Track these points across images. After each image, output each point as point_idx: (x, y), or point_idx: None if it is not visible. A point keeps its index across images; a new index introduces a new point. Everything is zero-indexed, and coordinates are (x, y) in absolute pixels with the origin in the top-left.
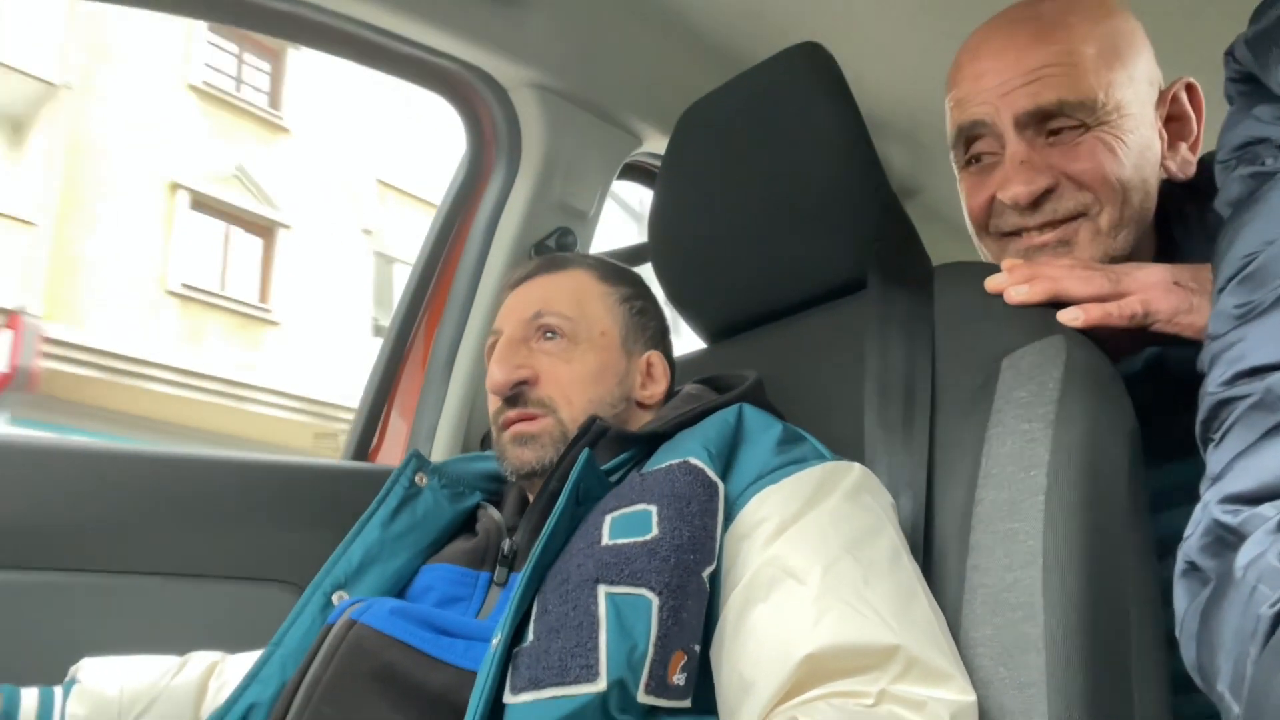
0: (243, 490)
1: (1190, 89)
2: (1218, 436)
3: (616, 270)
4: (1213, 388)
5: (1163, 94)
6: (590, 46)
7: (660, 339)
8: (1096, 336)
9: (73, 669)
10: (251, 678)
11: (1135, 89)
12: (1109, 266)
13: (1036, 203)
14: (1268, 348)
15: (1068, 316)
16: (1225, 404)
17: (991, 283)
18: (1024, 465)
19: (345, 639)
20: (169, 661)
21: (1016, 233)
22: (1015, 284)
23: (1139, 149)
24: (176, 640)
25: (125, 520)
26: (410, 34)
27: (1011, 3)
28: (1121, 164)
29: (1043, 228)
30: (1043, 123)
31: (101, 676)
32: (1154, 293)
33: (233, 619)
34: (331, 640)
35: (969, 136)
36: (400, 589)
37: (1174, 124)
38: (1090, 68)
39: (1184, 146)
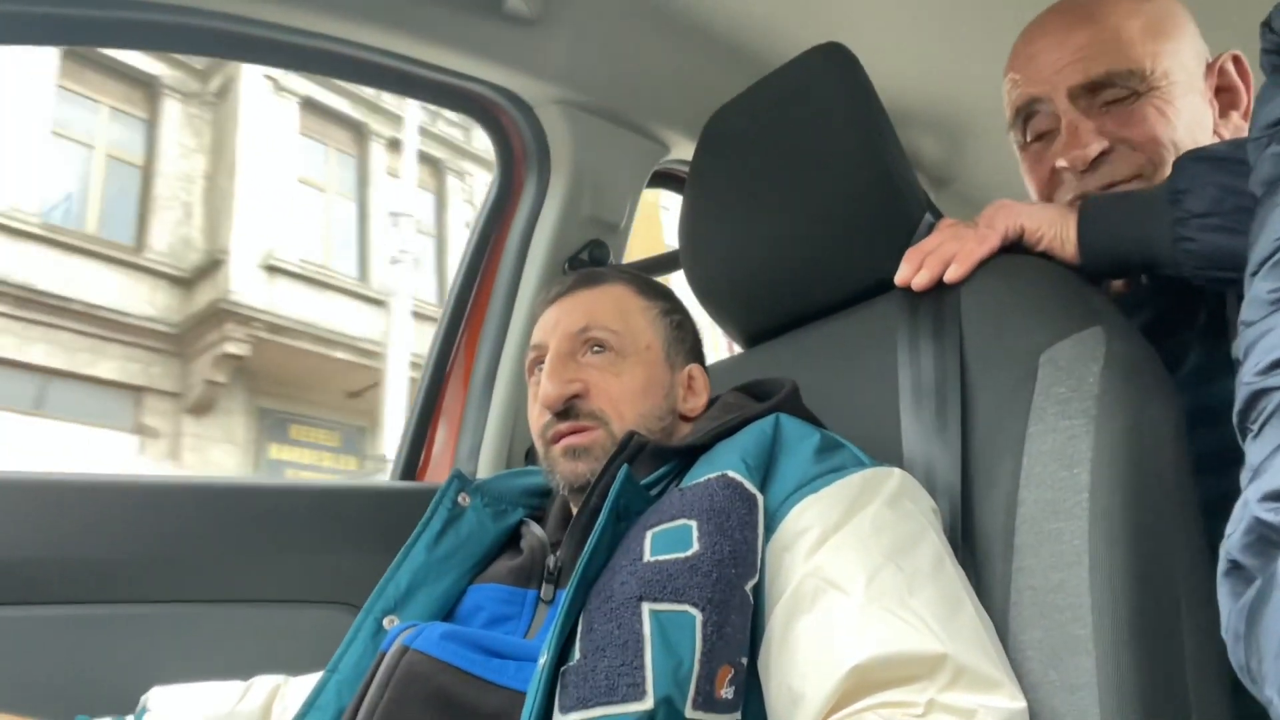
0: (296, 515)
1: (1237, 61)
2: (1256, 427)
3: (653, 285)
4: (1248, 377)
5: (1210, 66)
6: (613, 60)
7: (697, 351)
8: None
9: (143, 698)
10: (309, 705)
11: (1181, 60)
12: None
13: (1094, 167)
14: None
15: (952, 276)
16: (1262, 394)
17: (899, 279)
18: (1066, 463)
19: (399, 666)
20: (235, 687)
21: (1076, 201)
22: (912, 274)
23: (1189, 114)
24: (241, 665)
25: (187, 551)
26: (435, 60)
27: None
28: (1173, 127)
29: (1100, 189)
30: (1094, 94)
31: (170, 704)
32: (1023, 211)
33: (294, 642)
34: (385, 667)
35: (1027, 115)
36: (449, 609)
37: (1224, 94)
38: (1136, 40)
39: (1235, 115)
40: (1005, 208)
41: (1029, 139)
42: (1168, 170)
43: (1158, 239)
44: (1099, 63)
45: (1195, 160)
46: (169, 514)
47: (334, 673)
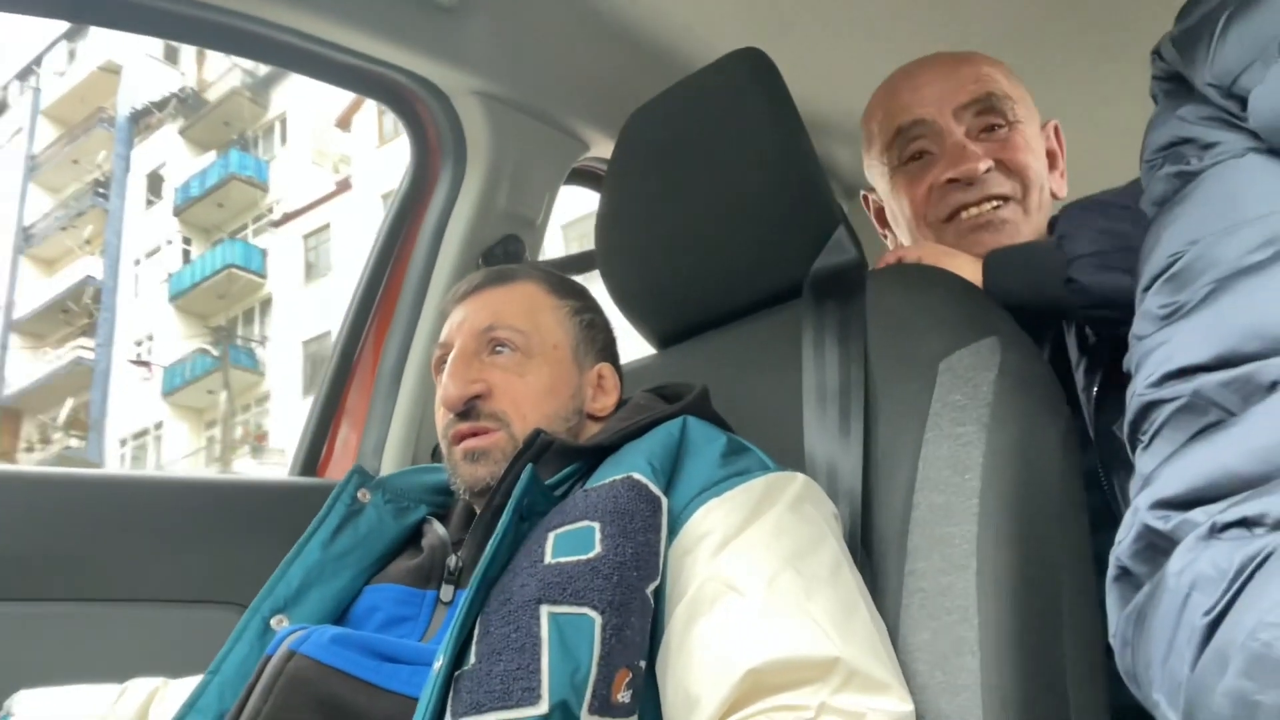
0: (185, 510)
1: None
2: (1146, 439)
3: (565, 283)
4: (1140, 389)
5: (1042, 126)
6: (533, 52)
7: (609, 351)
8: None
9: (7, 702)
10: (189, 707)
11: (1030, 111)
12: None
13: (974, 182)
14: (1195, 349)
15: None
16: (1153, 406)
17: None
18: (958, 469)
19: (284, 671)
20: (109, 690)
21: (954, 215)
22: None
23: (1040, 154)
24: (118, 669)
25: (65, 546)
26: (351, 43)
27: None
28: (1037, 158)
29: (980, 203)
30: (976, 117)
31: (36, 709)
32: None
33: (178, 644)
34: (270, 672)
35: (909, 137)
36: (343, 610)
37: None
38: (1004, 81)
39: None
40: (930, 255)
41: (905, 160)
42: (1033, 195)
43: (1050, 283)
44: (982, 87)
45: (1078, 208)
46: (43, 507)
47: (216, 674)
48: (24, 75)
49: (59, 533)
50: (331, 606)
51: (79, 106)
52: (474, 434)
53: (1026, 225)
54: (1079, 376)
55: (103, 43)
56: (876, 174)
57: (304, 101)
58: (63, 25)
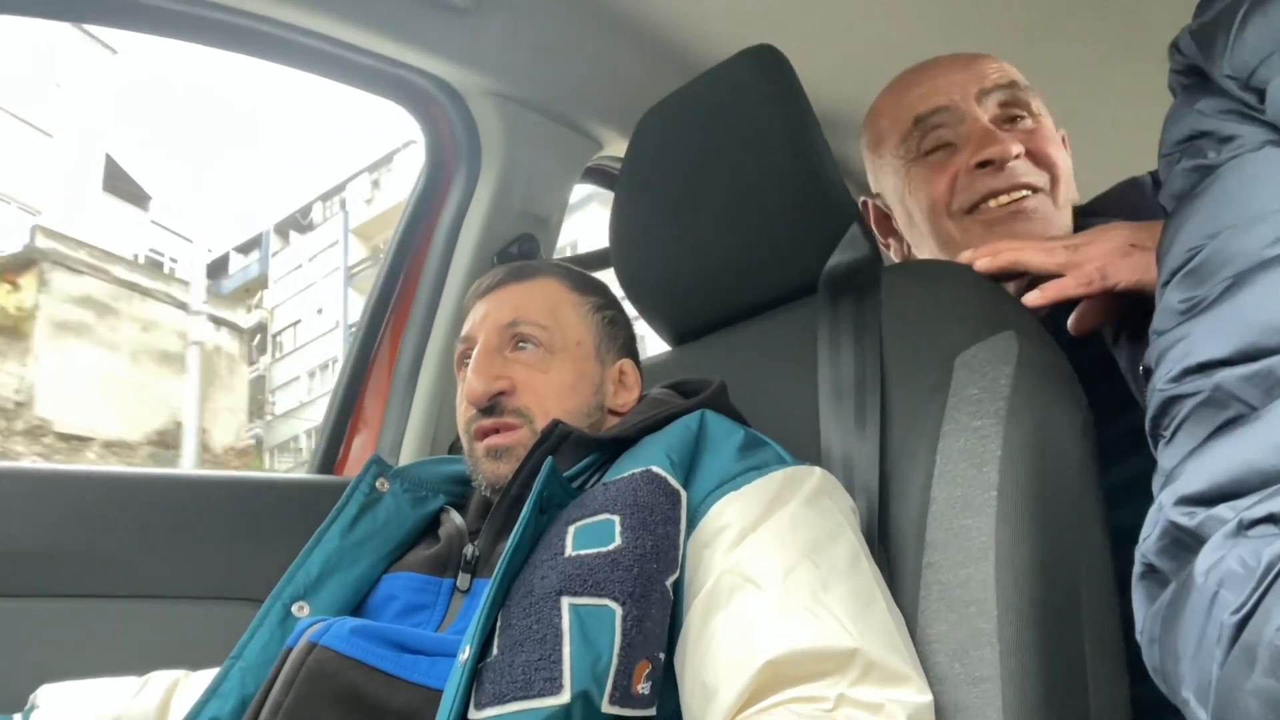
0: (207, 508)
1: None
2: (1168, 434)
3: (586, 279)
4: (1161, 384)
5: None
6: (547, 53)
7: (629, 347)
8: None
9: (32, 696)
10: (211, 692)
11: (1046, 112)
12: (1068, 237)
13: (1004, 167)
14: (1214, 343)
15: (1030, 300)
16: (1174, 401)
17: (964, 255)
18: (976, 462)
19: (305, 663)
20: (130, 682)
21: (979, 204)
22: (981, 257)
23: (1063, 150)
24: (141, 664)
25: (87, 543)
26: (366, 44)
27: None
28: (1063, 154)
29: (1010, 190)
30: (1000, 107)
31: (61, 702)
32: (1111, 258)
33: (198, 640)
34: (291, 664)
35: (929, 126)
36: (361, 598)
37: None
38: (1021, 78)
39: None
40: (1124, 256)
41: (924, 151)
42: (1061, 188)
43: None
44: (1005, 75)
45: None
46: (69, 503)
47: (238, 659)
48: (326, 197)
49: (81, 529)
50: (350, 594)
51: (382, 227)
52: (497, 430)
53: (1057, 218)
54: (1122, 361)
55: (399, 177)
56: (888, 172)
57: (594, 230)
58: (367, 159)
